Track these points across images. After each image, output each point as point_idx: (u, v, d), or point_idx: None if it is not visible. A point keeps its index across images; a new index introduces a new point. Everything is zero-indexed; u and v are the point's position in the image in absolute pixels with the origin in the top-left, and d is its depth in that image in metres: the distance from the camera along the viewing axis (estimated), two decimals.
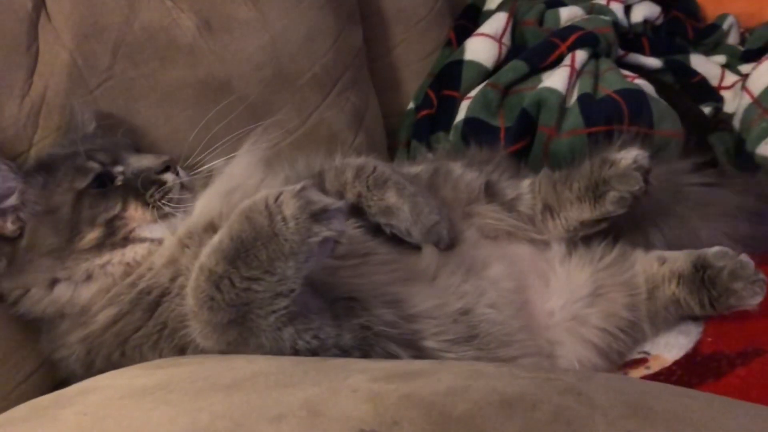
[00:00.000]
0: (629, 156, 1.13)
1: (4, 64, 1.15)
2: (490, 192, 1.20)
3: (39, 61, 1.18)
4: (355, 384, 0.66)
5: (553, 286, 1.16)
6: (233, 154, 1.11)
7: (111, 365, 0.92)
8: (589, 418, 0.61)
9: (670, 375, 1.10)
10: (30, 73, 1.17)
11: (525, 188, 1.22)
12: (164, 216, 1.00)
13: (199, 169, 1.10)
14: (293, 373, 0.71)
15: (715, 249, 1.17)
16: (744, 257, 1.15)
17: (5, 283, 1.01)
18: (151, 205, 1.01)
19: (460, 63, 1.62)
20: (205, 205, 1.03)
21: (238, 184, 1.05)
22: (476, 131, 1.48)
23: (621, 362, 1.15)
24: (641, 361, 1.15)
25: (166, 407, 0.65)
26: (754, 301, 1.12)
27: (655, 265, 1.20)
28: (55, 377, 1.05)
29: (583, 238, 1.20)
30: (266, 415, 0.62)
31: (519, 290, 1.13)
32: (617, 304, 1.16)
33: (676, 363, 1.12)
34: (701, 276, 1.15)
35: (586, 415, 0.61)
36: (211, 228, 0.97)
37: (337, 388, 0.66)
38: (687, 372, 1.09)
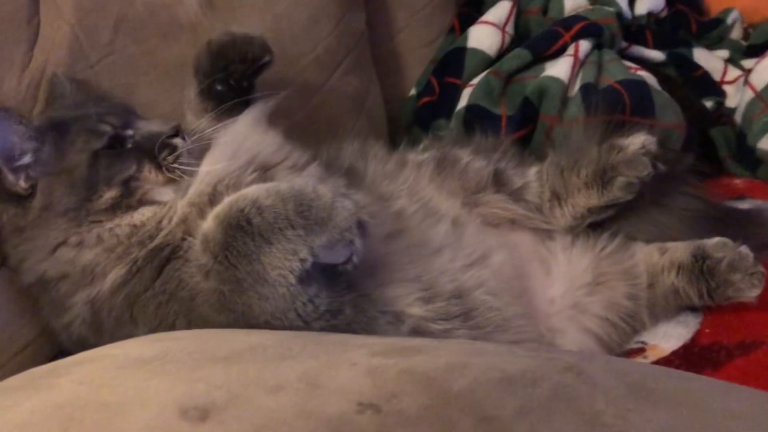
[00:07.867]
0: (637, 141, 1.14)
1: (4, 37, 1.13)
2: (498, 181, 1.20)
3: (40, 35, 1.17)
4: (354, 358, 0.66)
5: (555, 274, 1.16)
6: (234, 118, 1.11)
7: (121, 326, 0.93)
8: (590, 396, 0.60)
9: (667, 365, 1.09)
10: (30, 46, 1.16)
11: (532, 176, 1.22)
12: (173, 179, 1.00)
13: (200, 134, 1.09)
14: (291, 346, 0.70)
15: (715, 240, 1.17)
16: (743, 249, 1.15)
17: (13, 241, 1.00)
18: (164, 168, 1.00)
19: (462, 50, 1.61)
20: (211, 166, 1.02)
21: (242, 144, 1.05)
22: (478, 118, 1.47)
23: (619, 352, 1.15)
24: (638, 351, 1.15)
25: (163, 377, 0.65)
26: (752, 293, 1.13)
27: (655, 255, 1.20)
28: (52, 348, 1.04)
29: (586, 227, 1.20)
30: (264, 386, 0.61)
31: (519, 277, 1.12)
32: (618, 293, 1.16)
33: (674, 353, 1.12)
34: (700, 266, 1.15)
35: (586, 393, 0.61)
36: (218, 188, 0.98)
37: (335, 361, 0.66)
38: (685, 362, 1.09)
